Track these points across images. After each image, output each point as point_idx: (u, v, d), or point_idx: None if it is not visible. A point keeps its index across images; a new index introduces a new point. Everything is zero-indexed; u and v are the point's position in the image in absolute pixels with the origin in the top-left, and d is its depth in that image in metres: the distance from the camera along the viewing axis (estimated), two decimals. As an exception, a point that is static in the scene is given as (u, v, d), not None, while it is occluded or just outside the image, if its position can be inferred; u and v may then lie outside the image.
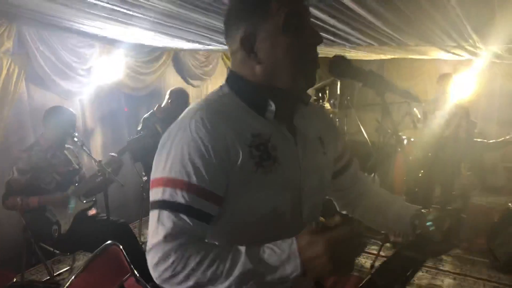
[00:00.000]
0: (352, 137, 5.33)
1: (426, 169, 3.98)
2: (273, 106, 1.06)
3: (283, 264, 0.90)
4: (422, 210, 1.21)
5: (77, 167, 3.14)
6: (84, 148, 2.94)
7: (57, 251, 2.93)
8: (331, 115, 5.16)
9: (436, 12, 2.66)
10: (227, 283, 0.91)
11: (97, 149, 4.49)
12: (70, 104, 4.09)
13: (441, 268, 3.66)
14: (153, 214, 0.99)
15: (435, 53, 4.95)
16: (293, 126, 1.14)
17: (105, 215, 3.05)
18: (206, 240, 1.04)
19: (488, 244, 3.86)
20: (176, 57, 5.18)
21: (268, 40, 1.03)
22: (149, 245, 0.98)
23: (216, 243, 1.04)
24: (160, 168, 1.01)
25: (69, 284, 1.74)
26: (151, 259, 0.97)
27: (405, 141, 4.03)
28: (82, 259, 3.72)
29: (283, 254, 0.91)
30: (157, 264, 0.96)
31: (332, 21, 2.92)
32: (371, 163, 4.51)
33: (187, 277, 0.93)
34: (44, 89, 3.79)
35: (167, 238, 0.95)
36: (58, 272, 3.44)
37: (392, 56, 6.56)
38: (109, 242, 1.99)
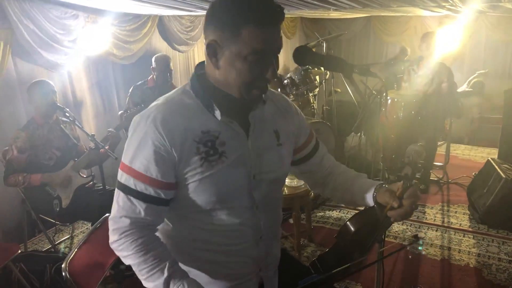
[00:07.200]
0: (340, 98, 5.42)
1: (405, 127, 4.10)
2: (218, 110, 1.19)
3: None
4: (383, 184, 1.32)
5: (75, 141, 3.19)
6: (76, 123, 2.99)
7: (58, 223, 3.04)
8: (317, 77, 5.23)
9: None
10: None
11: (89, 119, 4.54)
12: (58, 76, 4.11)
13: (424, 220, 3.84)
14: (116, 192, 1.23)
15: (418, 12, 4.97)
16: (247, 121, 1.26)
17: (101, 185, 3.18)
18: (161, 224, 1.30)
19: (468, 196, 4.04)
20: (161, 23, 5.14)
21: (229, 58, 1.14)
22: (110, 215, 1.24)
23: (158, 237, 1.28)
24: (125, 154, 1.21)
25: (73, 255, 1.89)
26: (109, 226, 1.23)
27: (389, 101, 4.12)
28: (81, 227, 3.88)
29: None
30: (110, 233, 1.23)
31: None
32: (357, 123, 4.64)
33: (124, 256, 1.21)
34: (31, 62, 3.80)
35: (118, 217, 1.20)
36: (59, 241, 3.57)
37: (378, 14, 6.54)
38: (107, 214, 2.11)
